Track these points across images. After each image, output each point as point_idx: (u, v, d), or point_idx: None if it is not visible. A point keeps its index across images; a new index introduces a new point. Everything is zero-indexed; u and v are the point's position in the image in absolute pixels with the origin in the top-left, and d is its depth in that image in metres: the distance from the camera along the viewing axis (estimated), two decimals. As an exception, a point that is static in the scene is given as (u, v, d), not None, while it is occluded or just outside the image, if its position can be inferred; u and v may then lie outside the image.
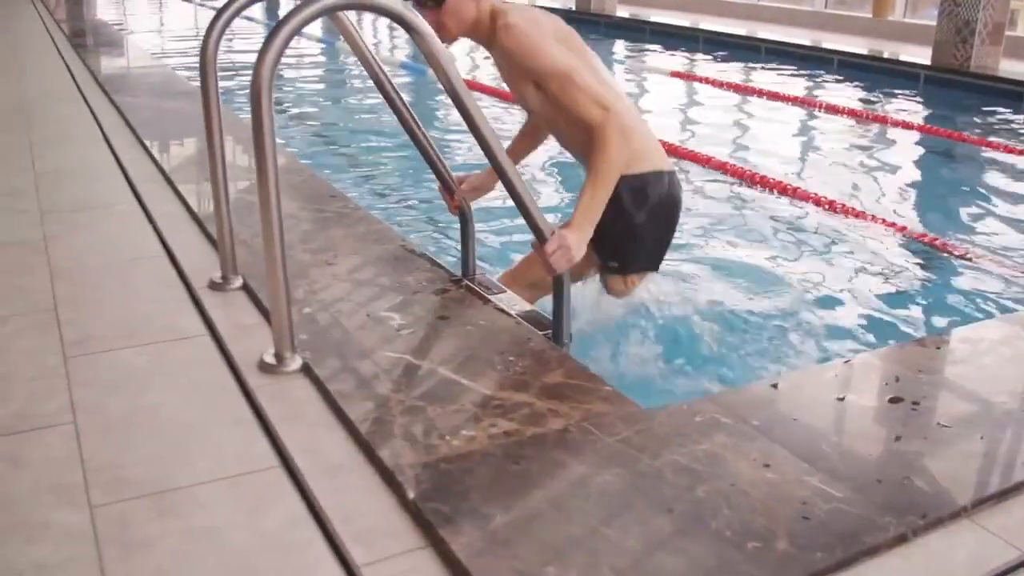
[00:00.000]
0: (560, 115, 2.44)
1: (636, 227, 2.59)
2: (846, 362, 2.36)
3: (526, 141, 2.92)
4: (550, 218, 2.38)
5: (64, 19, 13.23)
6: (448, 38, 2.46)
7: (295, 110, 7.35)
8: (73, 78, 6.90)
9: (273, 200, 2.02)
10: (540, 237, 2.32)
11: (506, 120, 6.85)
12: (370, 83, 2.56)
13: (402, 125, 2.65)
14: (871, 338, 3.33)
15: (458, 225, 2.89)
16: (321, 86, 8.96)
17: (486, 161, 2.33)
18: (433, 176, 2.84)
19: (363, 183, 5.03)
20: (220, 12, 2.50)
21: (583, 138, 2.38)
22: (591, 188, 2.31)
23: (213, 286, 2.68)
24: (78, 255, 3.04)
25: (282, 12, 8.39)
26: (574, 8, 14.47)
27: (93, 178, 4.06)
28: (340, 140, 6.20)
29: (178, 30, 15.10)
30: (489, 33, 2.45)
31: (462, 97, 2.15)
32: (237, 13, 2.52)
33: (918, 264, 4.13)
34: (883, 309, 3.60)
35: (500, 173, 2.27)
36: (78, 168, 4.25)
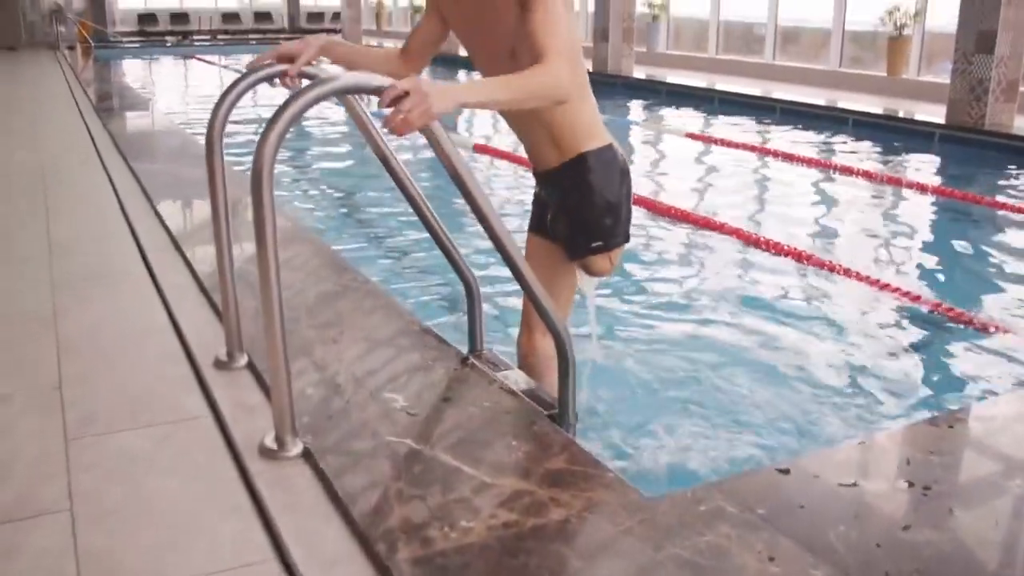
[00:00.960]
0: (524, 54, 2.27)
1: (611, 199, 2.55)
2: (858, 443, 2.31)
3: (378, 62, 2.64)
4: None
5: (90, 79, 13.48)
6: None
7: (313, 175, 7.39)
8: (93, 141, 7.00)
9: (274, 286, 2.01)
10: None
11: (520, 186, 6.88)
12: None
13: (410, 204, 2.65)
14: (883, 413, 3.28)
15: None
16: (343, 150, 9.03)
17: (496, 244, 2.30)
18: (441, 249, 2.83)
19: (376, 253, 5.04)
20: (226, 93, 2.52)
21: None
22: (495, 82, 2.13)
23: (218, 364, 2.67)
24: (87, 329, 3.05)
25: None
26: (591, 69, 14.59)
27: (105, 246, 4.08)
28: (358, 208, 6.21)
29: (201, 92, 15.33)
30: None
31: (461, 173, 2.16)
32: (243, 93, 2.53)
33: (931, 334, 4.07)
34: (895, 382, 3.54)
35: (498, 245, 2.25)
36: (92, 235, 4.28)
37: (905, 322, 4.19)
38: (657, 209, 6.04)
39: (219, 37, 27.71)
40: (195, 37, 26.98)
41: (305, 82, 2.49)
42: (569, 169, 2.53)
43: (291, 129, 2.01)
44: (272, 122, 1.96)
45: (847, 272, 4.71)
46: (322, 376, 2.55)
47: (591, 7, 14.77)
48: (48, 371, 2.70)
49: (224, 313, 2.68)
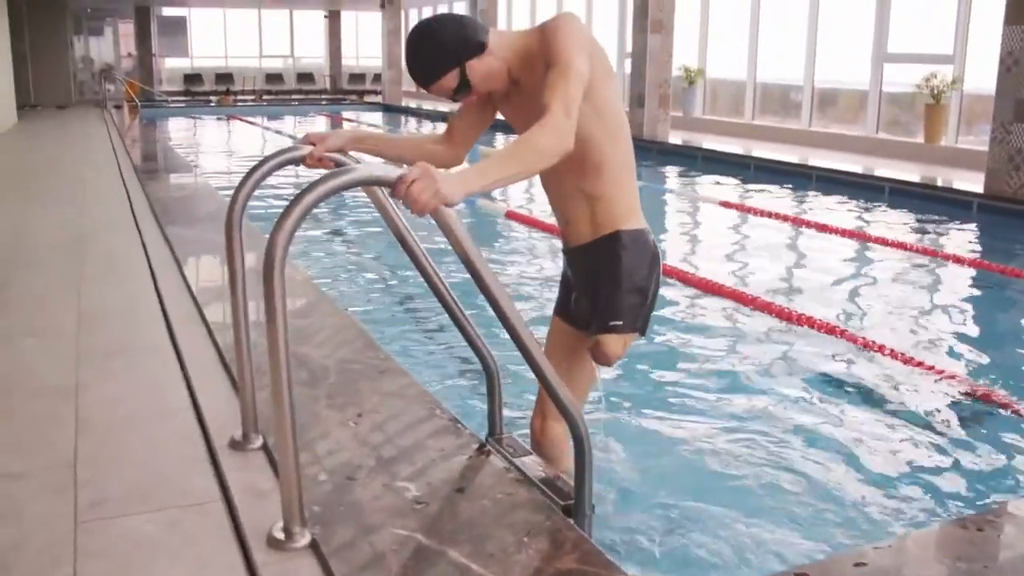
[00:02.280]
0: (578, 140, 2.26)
1: (640, 283, 2.52)
2: (875, 548, 2.24)
3: (419, 150, 2.61)
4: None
5: (133, 139, 13.74)
6: (479, 95, 2.44)
7: (348, 247, 7.38)
8: (131, 206, 7.11)
9: (284, 378, 2.00)
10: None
11: (552, 255, 6.88)
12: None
13: (429, 286, 2.64)
14: (908, 509, 3.16)
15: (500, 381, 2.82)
16: (377, 228, 9.08)
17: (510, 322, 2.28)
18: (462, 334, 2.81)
19: (403, 330, 4.97)
20: (246, 178, 2.54)
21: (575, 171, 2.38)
22: (501, 155, 2.09)
23: (234, 445, 2.66)
24: (106, 406, 3.05)
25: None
26: (626, 133, 14.65)
27: (133, 318, 4.11)
28: (386, 284, 6.17)
29: (242, 154, 15.56)
30: (521, 51, 2.38)
31: (472, 259, 2.15)
32: (266, 176, 2.55)
33: (967, 419, 3.95)
34: (922, 473, 3.42)
35: (510, 329, 2.23)
36: (120, 306, 4.31)
37: (939, 405, 4.07)
38: (688, 281, 6.00)
39: (263, 97, 28.29)
40: (238, 97, 27.52)
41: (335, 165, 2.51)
42: (602, 244, 2.51)
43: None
44: (286, 213, 1.96)
45: (880, 349, 4.61)
46: (337, 461, 2.53)
47: (627, 70, 14.87)
48: (65, 448, 2.70)
49: (240, 394, 2.67)
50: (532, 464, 2.57)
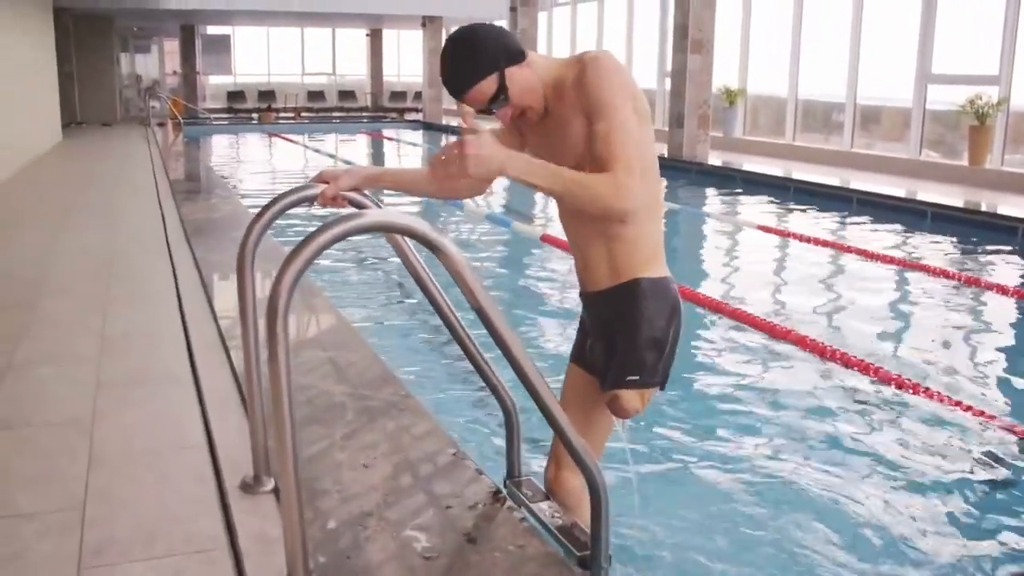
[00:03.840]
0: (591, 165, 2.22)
1: (659, 335, 2.37)
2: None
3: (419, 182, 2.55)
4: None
5: (174, 158, 13.86)
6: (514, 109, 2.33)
7: (370, 276, 7.28)
8: (164, 227, 7.13)
9: (288, 432, 1.93)
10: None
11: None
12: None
13: (448, 329, 2.57)
14: (938, 566, 3.03)
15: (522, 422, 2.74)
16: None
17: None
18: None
19: (426, 365, 4.87)
20: (258, 217, 2.49)
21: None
22: (561, 169, 2.11)
23: (244, 487, 2.60)
24: (121, 438, 3.02)
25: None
26: (666, 155, 14.56)
27: (156, 345, 4.08)
28: (415, 316, 6.05)
29: (281, 173, 15.65)
30: (555, 78, 2.29)
31: (484, 307, 2.07)
32: (279, 214, 2.50)
33: (1010, 467, 3.79)
34: (957, 525, 3.28)
35: (522, 376, 2.14)
36: (144, 331, 4.30)
37: (980, 452, 3.91)
38: (722, 311, 5.88)
39: (303, 115, 28.52)
40: (280, 114, 27.75)
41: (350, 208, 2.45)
42: (621, 292, 2.37)
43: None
44: (291, 258, 1.91)
45: (915, 389, 4.45)
46: (348, 508, 2.46)
47: (667, 88, 14.78)
48: (76, 485, 2.66)
49: (252, 435, 2.62)
50: (549, 510, 2.49)
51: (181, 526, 2.41)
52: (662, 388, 2.46)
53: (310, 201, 2.52)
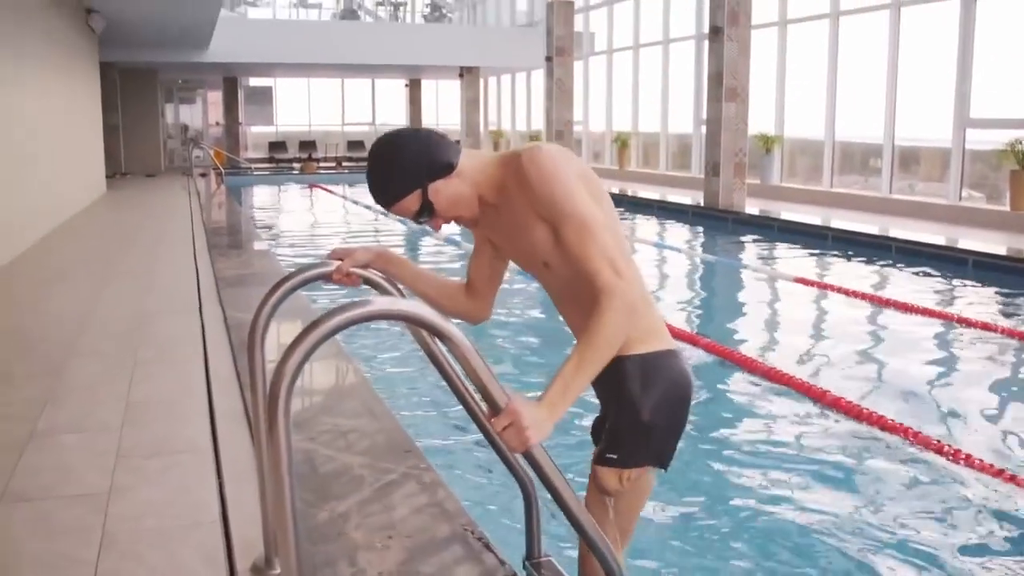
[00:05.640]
0: (578, 273, 2.09)
1: (645, 416, 2.24)
2: None
3: (443, 290, 2.46)
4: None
5: (214, 210, 14.02)
6: (445, 224, 2.27)
7: (396, 341, 7.10)
8: (198, 285, 7.17)
9: (290, 527, 1.87)
10: (492, 407, 1.92)
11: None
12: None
13: (466, 409, 2.51)
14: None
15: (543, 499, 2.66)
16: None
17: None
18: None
19: (450, 436, 4.72)
20: (272, 291, 2.45)
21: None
22: (577, 360, 1.94)
23: (255, 570, 2.55)
24: (135, 515, 2.98)
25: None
26: (702, 203, 14.49)
27: (179, 414, 4.07)
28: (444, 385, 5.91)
29: (320, 226, 15.75)
30: (495, 183, 2.19)
31: (494, 396, 2.01)
32: (290, 292, 2.47)
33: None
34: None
35: (533, 463, 2.07)
36: (168, 399, 4.28)
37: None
38: (755, 370, 5.77)
39: (343, 164, 28.82)
40: (320, 164, 28.06)
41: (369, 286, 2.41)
42: (606, 374, 2.11)
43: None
44: (292, 347, 1.86)
45: (955, 456, 4.29)
46: (357, 593, 2.40)
47: (703, 135, 14.75)
48: (85, 570, 2.62)
49: (263, 518, 2.57)
50: (568, 597, 2.41)
51: (188, 614, 2.37)
52: (664, 468, 2.35)
53: (324, 279, 2.48)
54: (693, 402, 2.36)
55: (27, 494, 3.19)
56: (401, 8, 31.74)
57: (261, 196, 21.65)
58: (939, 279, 9.19)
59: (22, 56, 10.17)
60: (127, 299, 6.77)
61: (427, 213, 2.19)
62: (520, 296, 8.17)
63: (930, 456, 4.37)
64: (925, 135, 14.32)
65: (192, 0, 14.38)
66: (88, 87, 15.85)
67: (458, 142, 2.27)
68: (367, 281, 2.44)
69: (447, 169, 2.16)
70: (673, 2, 20.48)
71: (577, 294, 2.21)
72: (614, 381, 2.25)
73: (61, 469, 3.43)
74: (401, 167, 2.14)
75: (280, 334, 5.06)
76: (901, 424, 4.66)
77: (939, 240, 10.63)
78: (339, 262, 2.43)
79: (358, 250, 2.44)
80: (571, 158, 2.16)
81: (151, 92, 24.69)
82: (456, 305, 2.43)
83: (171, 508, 3.05)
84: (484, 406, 2.34)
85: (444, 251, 11.55)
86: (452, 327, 1.94)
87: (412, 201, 2.16)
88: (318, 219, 17.31)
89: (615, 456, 2.29)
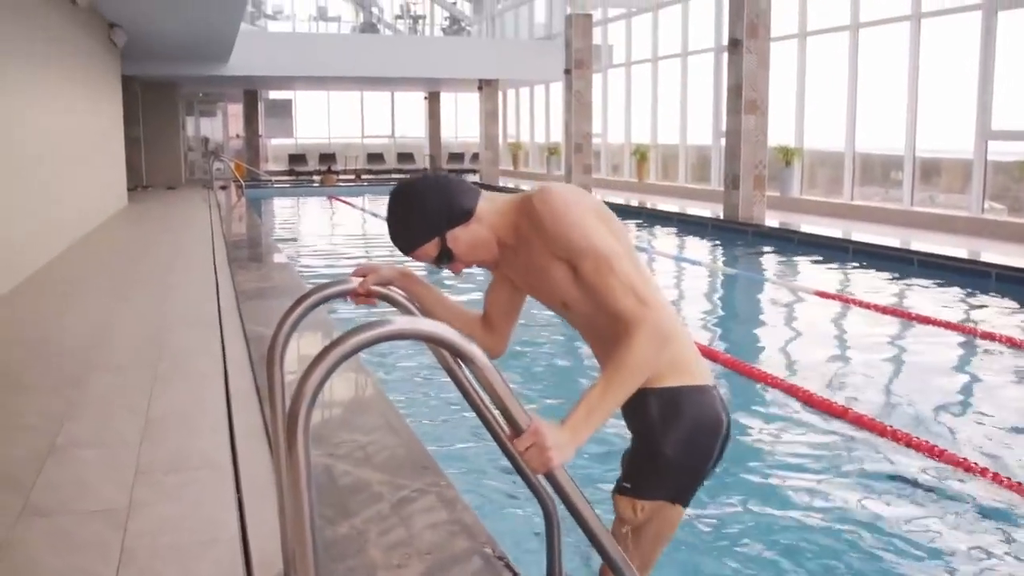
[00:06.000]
0: (599, 309, 2.09)
1: (663, 450, 2.20)
2: None
3: (460, 319, 2.44)
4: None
5: (235, 222, 14.08)
6: (465, 268, 2.28)
7: (418, 356, 7.01)
8: (218, 298, 7.18)
9: (309, 553, 1.86)
10: (514, 428, 1.90)
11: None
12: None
13: (491, 434, 2.48)
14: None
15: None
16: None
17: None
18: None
19: (470, 452, 4.66)
20: (292, 308, 2.44)
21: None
22: (603, 386, 1.92)
23: (273, 587, 2.54)
24: (153, 531, 2.98)
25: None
26: (722, 216, 14.44)
27: (198, 429, 4.07)
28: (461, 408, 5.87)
29: (339, 237, 15.78)
30: (512, 226, 2.19)
31: (516, 419, 1.99)
32: (311, 309, 2.45)
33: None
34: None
35: (559, 490, 2.05)
36: (188, 414, 4.28)
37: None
38: (777, 386, 5.72)
39: (362, 177, 28.93)
40: (340, 176, 28.17)
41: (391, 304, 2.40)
42: (631, 405, 2.13)
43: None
44: (313, 367, 1.85)
45: (984, 473, 4.24)
46: (375, 613, 2.38)
47: (722, 148, 14.70)
48: (104, 586, 2.62)
49: (282, 535, 2.55)
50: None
51: (206, 632, 2.36)
52: (683, 505, 2.30)
53: (343, 296, 2.47)
54: (727, 441, 2.29)
55: (46, 509, 3.19)
56: (420, 21, 31.86)
57: (281, 208, 21.74)
58: (962, 292, 9.11)
59: (47, 70, 10.26)
60: (147, 312, 6.80)
61: (446, 259, 2.21)
62: (542, 321, 8.13)
63: (958, 474, 4.32)
64: (946, 146, 14.24)
65: (212, 15, 14.46)
66: (110, 101, 15.97)
67: (477, 184, 2.26)
68: (387, 299, 2.43)
69: (466, 216, 2.17)
70: (692, 15, 20.46)
71: (600, 332, 2.20)
72: (637, 413, 2.22)
73: (80, 484, 3.43)
74: (420, 216, 2.16)
75: (300, 347, 5.07)
76: (926, 442, 4.60)
77: (961, 253, 10.55)
78: (361, 279, 2.42)
79: (383, 267, 2.43)
80: (583, 195, 2.16)
81: (172, 105, 24.87)
82: (474, 336, 2.39)
83: (189, 524, 3.05)
84: (506, 426, 2.33)
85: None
86: (474, 348, 1.92)
87: (431, 248, 2.18)
88: (338, 231, 17.36)
89: (628, 485, 2.27)
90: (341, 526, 2.95)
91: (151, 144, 23.35)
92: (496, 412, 2.37)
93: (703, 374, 2.26)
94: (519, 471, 2.49)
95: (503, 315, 2.43)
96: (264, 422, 4.05)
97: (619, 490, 2.29)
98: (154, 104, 23.79)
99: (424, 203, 2.15)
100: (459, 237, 2.17)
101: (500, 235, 2.21)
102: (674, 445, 2.20)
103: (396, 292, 2.41)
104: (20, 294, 7.67)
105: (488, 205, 2.20)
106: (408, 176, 2.27)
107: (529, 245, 2.16)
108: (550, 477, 2.02)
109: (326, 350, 1.86)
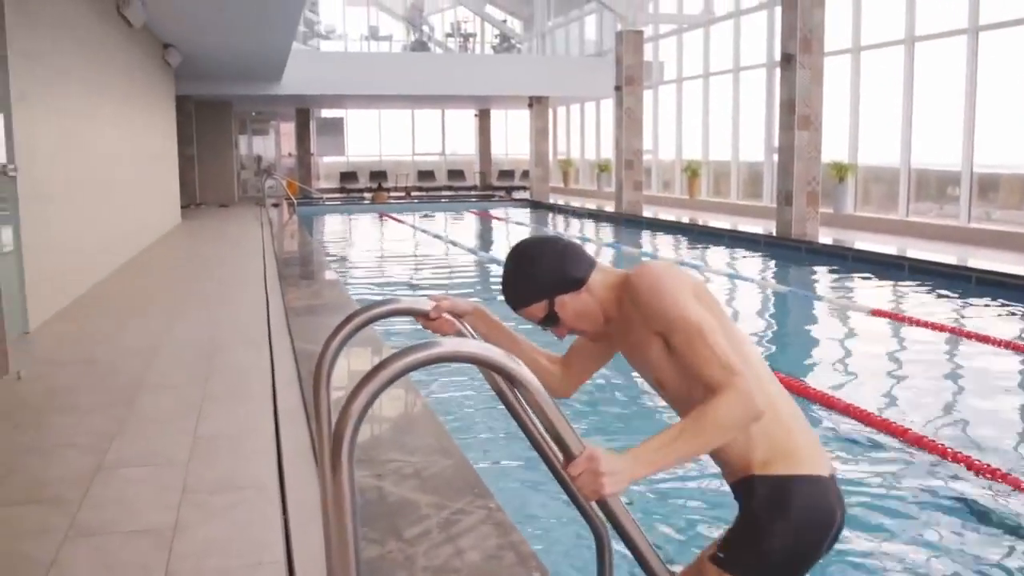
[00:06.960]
0: (692, 387, 2.05)
1: (767, 537, 2.10)
2: None
3: (532, 355, 2.41)
4: None
5: (286, 240, 14.18)
6: (568, 330, 2.26)
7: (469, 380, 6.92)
8: (268, 316, 7.21)
9: (353, 570, 1.81)
10: (567, 454, 1.86)
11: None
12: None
13: (541, 457, 2.42)
14: None
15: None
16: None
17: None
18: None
19: (522, 475, 4.59)
20: (341, 325, 2.40)
21: None
22: (679, 429, 1.88)
23: (317, 614, 2.49)
24: (198, 554, 2.95)
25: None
26: (775, 233, 14.25)
27: (245, 450, 4.04)
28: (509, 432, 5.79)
29: (391, 258, 15.80)
30: (616, 300, 2.19)
31: (568, 445, 1.92)
32: (360, 328, 2.41)
33: None
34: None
35: (613, 521, 1.98)
36: (236, 434, 4.27)
37: None
38: (833, 405, 5.58)
39: (411, 194, 29.05)
40: (391, 194, 28.34)
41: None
42: (737, 488, 2.14)
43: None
44: (359, 388, 1.80)
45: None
46: (421, 641, 2.32)
47: (775, 163, 14.52)
48: (149, 608, 2.59)
49: (327, 559, 2.50)
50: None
51: (249, 659, 2.31)
52: None
53: (414, 315, 2.43)
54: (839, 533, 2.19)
55: (93, 528, 3.19)
56: (471, 39, 31.99)
57: (332, 226, 21.88)
58: (1021, 310, 8.87)
59: (104, 90, 10.43)
60: (198, 330, 6.83)
61: (552, 322, 2.23)
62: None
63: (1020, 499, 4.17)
64: (1004, 161, 13.93)
65: (265, 35, 14.64)
66: (165, 120, 16.21)
67: (593, 257, 2.25)
68: (459, 333, 2.38)
69: (575, 284, 2.19)
70: (743, 30, 20.31)
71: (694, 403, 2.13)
72: (745, 497, 2.14)
73: (126, 503, 3.43)
74: (532, 277, 2.19)
75: (351, 364, 5.04)
76: (988, 465, 4.46)
77: (1020, 271, 10.28)
78: (435, 304, 2.38)
79: (459, 300, 2.40)
80: (678, 271, 2.15)
81: (225, 124, 25.21)
82: (542, 374, 2.36)
83: (234, 546, 3.02)
84: (559, 452, 2.27)
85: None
86: (525, 371, 1.87)
87: (539, 309, 2.21)
88: (388, 249, 17.41)
89: (723, 556, 2.17)
90: (388, 548, 2.90)
91: (205, 162, 23.68)
92: (548, 437, 2.32)
93: (819, 463, 2.15)
94: (571, 497, 2.42)
95: (584, 362, 2.42)
96: (312, 441, 4.02)
97: (712, 557, 2.19)
98: (208, 123, 24.14)
99: (537, 265, 2.19)
100: (567, 304, 2.19)
101: (606, 308, 2.22)
102: (780, 535, 2.10)
103: (466, 327, 2.37)
104: (78, 308, 7.77)
105: (600, 277, 2.22)
106: (530, 236, 2.28)
107: (630, 320, 2.17)
108: (602, 504, 1.95)
109: (373, 371, 1.82)
